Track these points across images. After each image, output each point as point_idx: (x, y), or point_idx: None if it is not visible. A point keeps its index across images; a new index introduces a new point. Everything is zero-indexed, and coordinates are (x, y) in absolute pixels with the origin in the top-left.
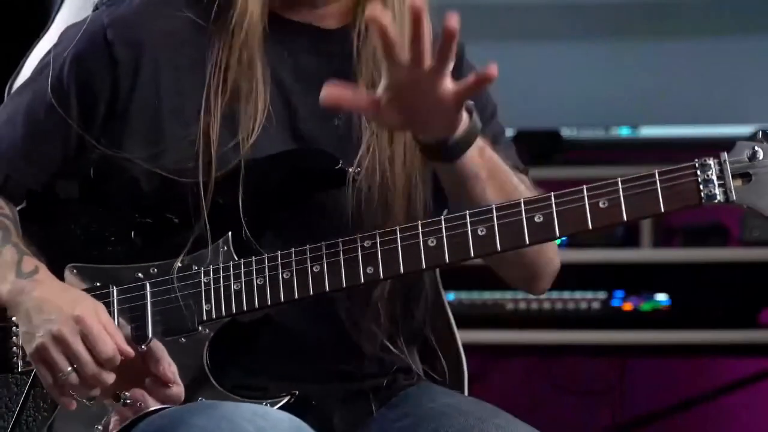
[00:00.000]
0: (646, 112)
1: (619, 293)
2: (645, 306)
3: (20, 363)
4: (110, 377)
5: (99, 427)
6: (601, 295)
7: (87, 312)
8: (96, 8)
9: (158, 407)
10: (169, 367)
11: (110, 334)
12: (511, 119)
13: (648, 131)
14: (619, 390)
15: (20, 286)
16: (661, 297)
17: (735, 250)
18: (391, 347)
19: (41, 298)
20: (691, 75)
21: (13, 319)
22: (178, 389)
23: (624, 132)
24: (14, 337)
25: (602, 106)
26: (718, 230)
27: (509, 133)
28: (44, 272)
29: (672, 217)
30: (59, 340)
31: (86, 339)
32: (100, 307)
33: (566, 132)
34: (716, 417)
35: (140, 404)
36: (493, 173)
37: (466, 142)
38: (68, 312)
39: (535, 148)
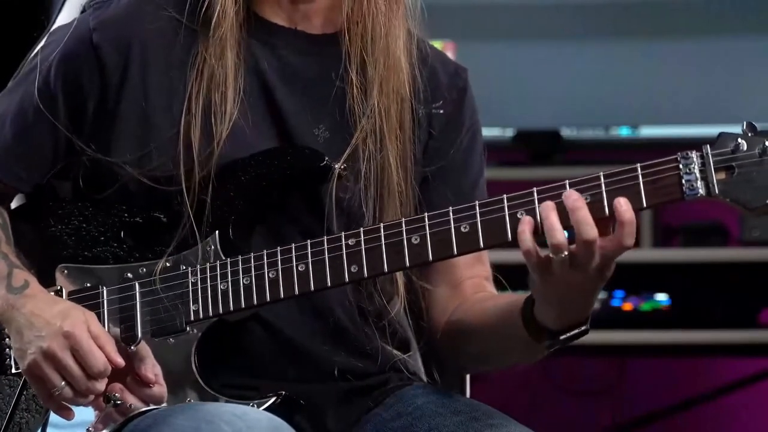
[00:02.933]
0: (646, 112)
1: (619, 293)
2: (645, 306)
3: (14, 364)
4: (102, 385)
5: (91, 429)
6: (601, 295)
7: (76, 326)
8: (84, 10)
9: (146, 408)
10: (153, 368)
11: (101, 346)
12: (511, 119)
13: (648, 131)
14: (619, 390)
15: (11, 302)
16: (661, 297)
17: (735, 250)
18: (387, 346)
19: (31, 314)
20: (691, 75)
21: (6, 331)
22: (161, 389)
23: (624, 132)
24: (7, 339)
25: (602, 106)
26: (718, 230)
27: (509, 133)
28: (34, 286)
29: (672, 216)
30: (50, 357)
31: (76, 354)
32: (91, 316)
33: (566, 132)
34: (716, 417)
35: (130, 405)
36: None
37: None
38: (57, 327)
39: (535, 148)
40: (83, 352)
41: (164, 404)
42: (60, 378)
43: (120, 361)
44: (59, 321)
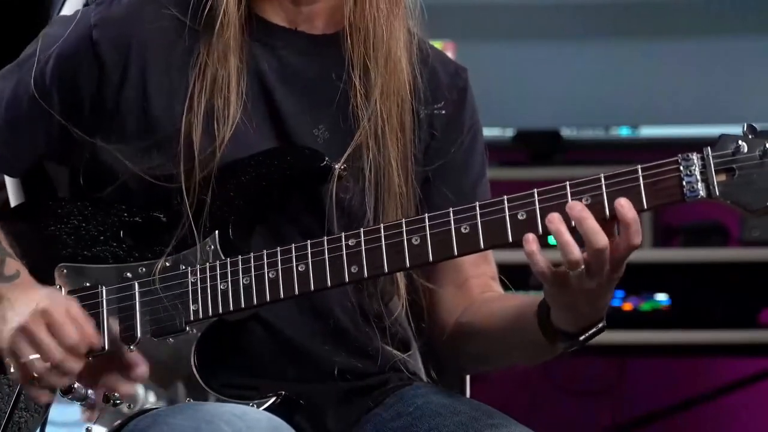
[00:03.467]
0: (646, 112)
1: (619, 293)
2: (645, 306)
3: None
4: (76, 365)
5: (90, 427)
6: None
7: (54, 304)
8: (87, 3)
9: (145, 408)
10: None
11: (78, 325)
12: (511, 119)
13: (648, 131)
14: (619, 390)
15: (1, 291)
16: (661, 297)
17: (735, 250)
18: (387, 346)
19: (16, 299)
20: (691, 75)
21: None
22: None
23: (624, 132)
24: None
25: (602, 106)
26: (718, 230)
27: (509, 133)
28: (25, 276)
29: (672, 217)
30: (24, 331)
31: (51, 327)
32: (72, 302)
33: (566, 132)
34: (716, 417)
35: (130, 405)
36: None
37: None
38: (35, 305)
39: (535, 148)
40: (57, 325)
41: (163, 404)
42: (32, 350)
43: (95, 341)
44: (38, 300)
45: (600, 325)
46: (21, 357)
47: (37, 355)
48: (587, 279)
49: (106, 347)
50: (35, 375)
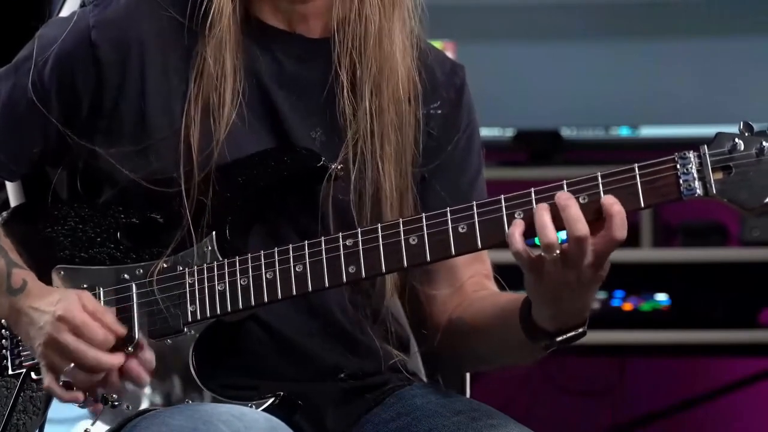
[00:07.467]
0: (646, 112)
1: (619, 293)
2: (645, 306)
3: (10, 366)
4: (112, 358)
5: (89, 428)
6: (601, 295)
7: (69, 307)
8: (83, 4)
9: (143, 408)
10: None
11: (98, 319)
12: (511, 119)
13: (648, 131)
14: (619, 390)
15: (13, 305)
16: (661, 297)
17: (735, 250)
18: (386, 345)
19: (31, 309)
20: (691, 75)
21: (3, 331)
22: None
23: (624, 132)
24: (4, 340)
25: (602, 106)
26: (718, 230)
27: (509, 133)
28: (32, 283)
29: (672, 216)
30: (51, 344)
31: (75, 331)
32: (85, 295)
33: (566, 132)
34: (716, 417)
35: (128, 406)
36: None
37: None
38: (51, 313)
39: (535, 148)
40: (79, 328)
41: (161, 405)
42: (65, 361)
43: (119, 328)
44: (53, 308)
45: (580, 329)
46: (59, 371)
47: (72, 364)
48: (565, 268)
49: (136, 335)
50: (78, 382)
